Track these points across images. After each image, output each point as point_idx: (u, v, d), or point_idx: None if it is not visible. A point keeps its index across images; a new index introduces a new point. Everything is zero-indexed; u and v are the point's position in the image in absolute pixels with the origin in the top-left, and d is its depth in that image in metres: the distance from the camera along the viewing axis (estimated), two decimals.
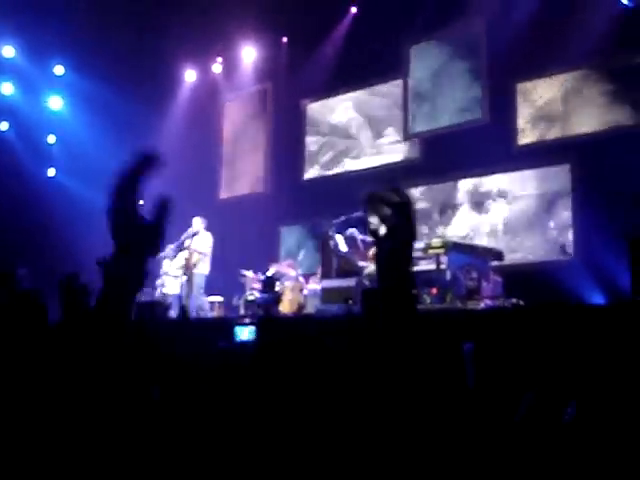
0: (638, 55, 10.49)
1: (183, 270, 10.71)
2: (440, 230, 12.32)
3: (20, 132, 14.73)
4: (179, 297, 11.08)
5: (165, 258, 11.25)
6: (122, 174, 1.36)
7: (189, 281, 10.57)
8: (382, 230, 1.44)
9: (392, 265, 1.42)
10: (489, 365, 5.30)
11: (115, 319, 1.28)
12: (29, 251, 12.40)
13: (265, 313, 9.81)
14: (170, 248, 11.34)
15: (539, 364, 5.10)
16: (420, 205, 12.39)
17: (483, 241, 11.40)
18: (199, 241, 10.68)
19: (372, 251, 9.38)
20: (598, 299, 9.50)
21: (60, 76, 15.01)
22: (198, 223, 10.72)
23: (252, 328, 6.16)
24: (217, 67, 15.56)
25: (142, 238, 1.34)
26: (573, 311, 5.68)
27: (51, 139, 15.41)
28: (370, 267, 9.32)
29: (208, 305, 11.39)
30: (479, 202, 12.09)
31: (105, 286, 1.33)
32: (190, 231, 10.72)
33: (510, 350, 5.41)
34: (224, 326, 7.54)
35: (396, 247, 1.41)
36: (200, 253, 10.63)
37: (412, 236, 1.43)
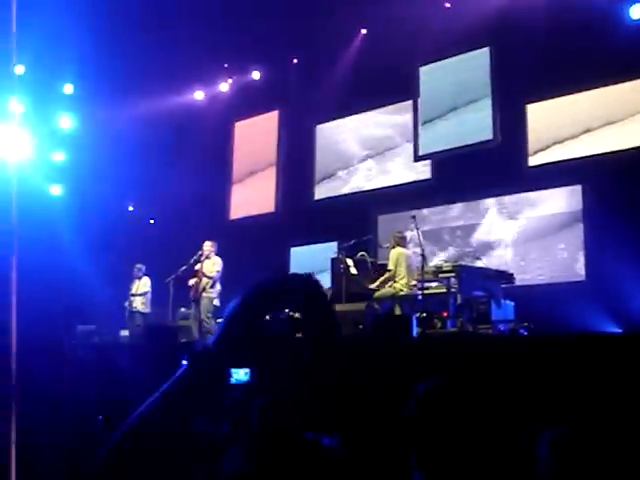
0: None
1: (192, 294, 10.62)
2: (449, 252, 12.26)
3: None
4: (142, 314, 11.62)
5: (135, 279, 11.76)
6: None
7: (197, 305, 10.47)
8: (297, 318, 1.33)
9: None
10: (503, 397, 5.22)
11: None
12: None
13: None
14: (137, 268, 11.81)
15: (554, 395, 5.02)
16: (431, 226, 12.36)
17: (493, 262, 11.33)
18: (208, 265, 10.58)
19: (383, 277, 9.32)
20: (609, 321, 9.42)
21: (69, 95, 14.92)
22: (208, 247, 10.63)
23: (247, 370, 6.26)
24: (227, 87, 15.60)
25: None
26: (589, 341, 5.60)
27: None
28: (380, 290, 9.24)
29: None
30: (490, 223, 12.04)
31: None
32: (200, 254, 10.64)
33: (525, 379, 5.32)
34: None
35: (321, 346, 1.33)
36: (209, 277, 10.53)
37: (333, 327, 1.33)
